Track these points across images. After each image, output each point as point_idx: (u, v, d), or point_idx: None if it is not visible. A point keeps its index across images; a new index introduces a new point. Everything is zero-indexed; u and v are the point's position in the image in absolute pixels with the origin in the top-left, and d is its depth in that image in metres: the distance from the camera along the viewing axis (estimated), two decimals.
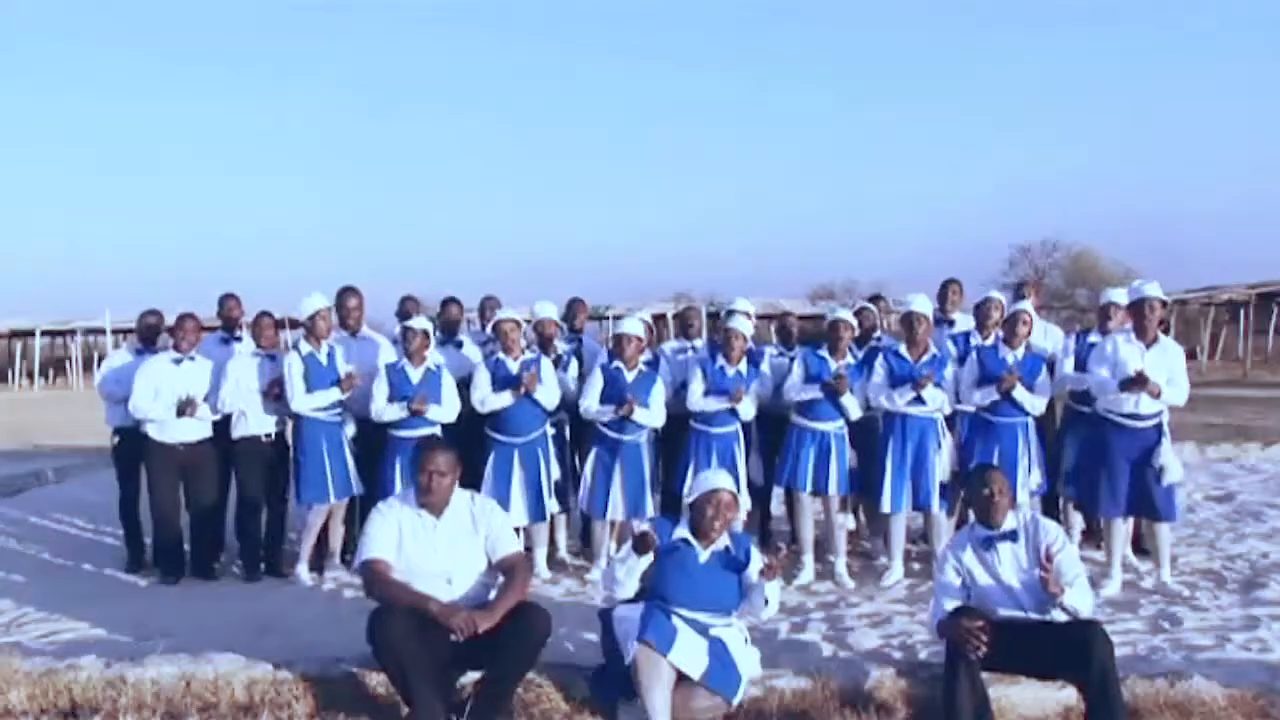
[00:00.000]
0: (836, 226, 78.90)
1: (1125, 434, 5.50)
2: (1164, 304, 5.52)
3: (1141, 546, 6.11)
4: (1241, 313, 29.99)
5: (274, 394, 6.04)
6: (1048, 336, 6.51)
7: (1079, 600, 3.80)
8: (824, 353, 5.96)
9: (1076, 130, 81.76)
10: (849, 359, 5.98)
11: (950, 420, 6.02)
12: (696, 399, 5.93)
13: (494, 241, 78.23)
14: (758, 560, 4.11)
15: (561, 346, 6.49)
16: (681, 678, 3.73)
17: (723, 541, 4.11)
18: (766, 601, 4.00)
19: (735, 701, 3.83)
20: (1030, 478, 5.87)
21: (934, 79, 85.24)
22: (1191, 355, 30.28)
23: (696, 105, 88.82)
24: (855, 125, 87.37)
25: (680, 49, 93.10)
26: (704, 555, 4.06)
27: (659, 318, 27.07)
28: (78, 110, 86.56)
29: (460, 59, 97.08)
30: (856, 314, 6.43)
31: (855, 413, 5.90)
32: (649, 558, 3.98)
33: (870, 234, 72.92)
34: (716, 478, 4.19)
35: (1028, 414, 5.86)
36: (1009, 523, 4.03)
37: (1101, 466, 5.57)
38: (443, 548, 4.02)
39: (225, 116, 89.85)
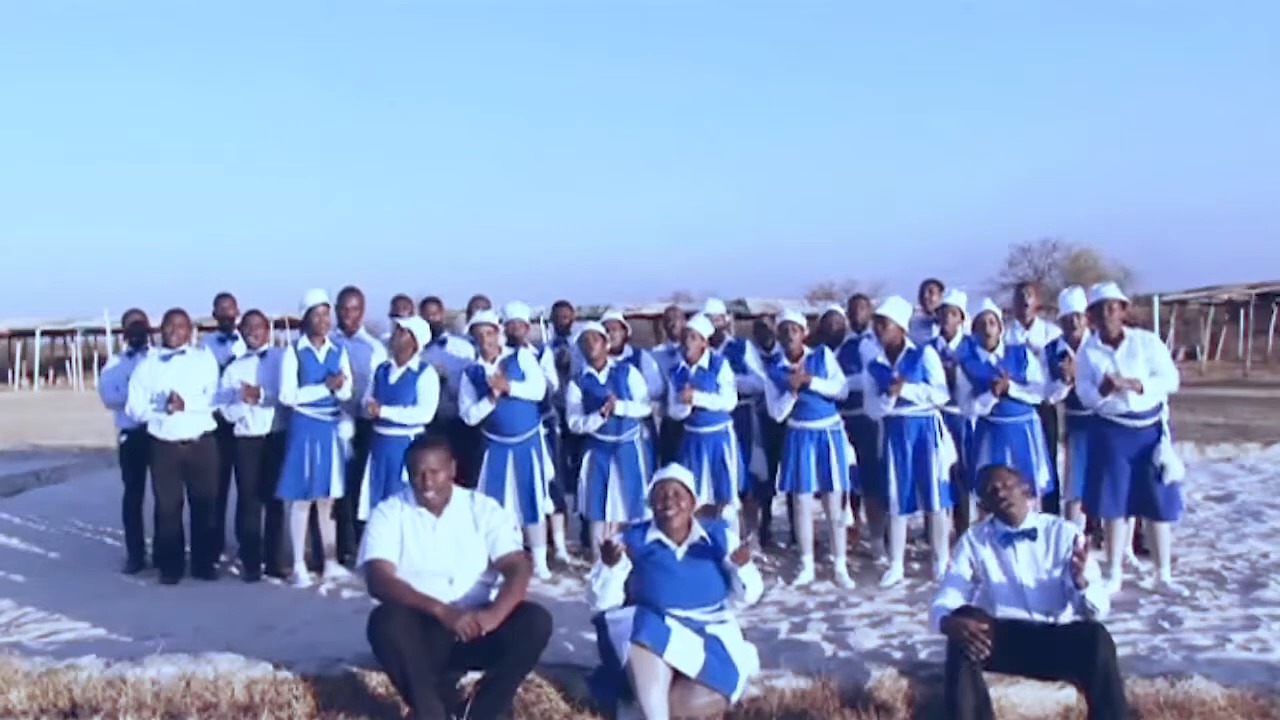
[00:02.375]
0: (836, 226, 78.97)
1: (1125, 434, 5.50)
2: (1123, 304, 5.53)
3: (1141, 546, 6.11)
4: (1241, 313, 29.97)
5: (250, 396, 6.00)
6: (1048, 336, 6.51)
7: (1098, 598, 3.80)
8: (784, 361, 5.97)
9: (1076, 130, 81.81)
10: (806, 353, 5.98)
11: (953, 422, 6.01)
12: (672, 406, 6.02)
13: (493, 241, 78.33)
14: (734, 544, 4.10)
15: (531, 350, 6.46)
16: (679, 676, 3.74)
17: (697, 533, 4.11)
18: (745, 586, 4.01)
19: (734, 698, 3.84)
20: (1039, 476, 5.87)
21: (934, 79, 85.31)
22: (1191, 355, 30.35)
23: (696, 105, 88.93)
24: (855, 125, 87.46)
25: (680, 48, 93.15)
26: (680, 552, 4.06)
27: (659, 317, 27.02)
28: (78, 110, 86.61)
29: (460, 59, 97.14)
30: (825, 317, 6.51)
31: (836, 391, 5.90)
32: (624, 567, 4.00)
33: (870, 234, 73.07)
34: (667, 470, 4.23)
35: (1032, 410, 5.86)
36: (1029, 521, 4.02)
37: (1103, 467, 5.56)
38: (444, 547, 4.02)
39: (225, 116, 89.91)
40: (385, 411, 5.81)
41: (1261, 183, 69.87)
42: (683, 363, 6.03)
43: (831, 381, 5.89)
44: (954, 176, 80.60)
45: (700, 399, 5.87)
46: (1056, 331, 6.69)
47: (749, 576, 4.02)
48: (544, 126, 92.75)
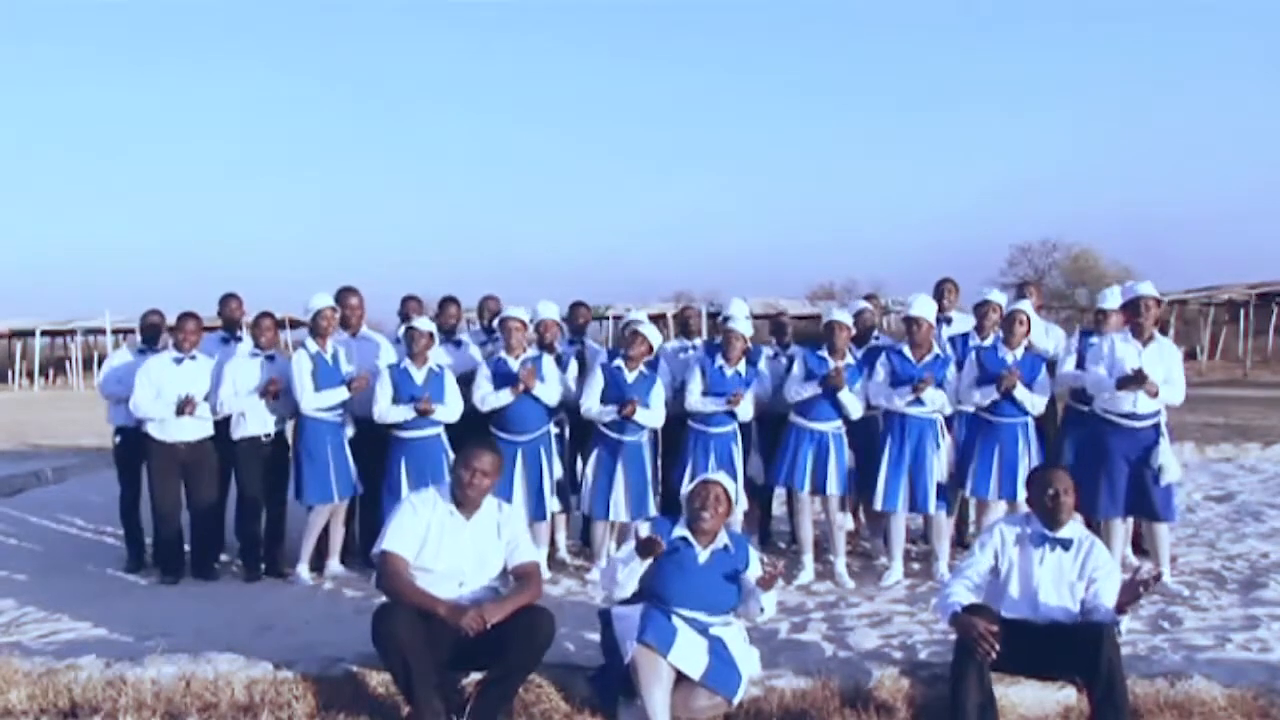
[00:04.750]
0: (836, 226, 78.90)
1: (1123, 434, 5.51)
2: (1159, 302, 5.53)
3: (1141, 546, 6.11)
4: (1241, 313, 29.98)
5: (271, 393, 6.03)
6: (1049, 336, 6.52)
7: (1124, 624, 3.83)
8: (823, 354, 5.95)
9: (1076, 130, 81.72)
10: (849, 360, 5.97)
11: (948, 421, 6.02)
12: (695, 399, 5.94)
13: (494, 241, 78.29)
14: (756, 564, 4.12)
15: (560, 348, 6.50)
16: (681, 677, 3.74)
17: (721, 540, 4.12)
18: (763, 609, 4.04)
19: (735, 701, 3.84)
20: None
21: (933, 78, 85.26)
22: (1191, 355, 30.32)
23: (696, 105, 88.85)
24: (855, 125, 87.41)
25: (679, 49, 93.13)
26: (703, 555, 4.07)
27: (659, 317, 27.04)
28: (77, 109, 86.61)
29: (459, 58, 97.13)
30: (855, 316, 6.40)
31: (855, 411, 5.89)
32: (650, 560, 3.99)
33: (870, 234, 72.93)
34: (715, 474, 4.26)
35: (1027, 414, 5.86)
36: (1069, 530, 3.98)
37: (1100, 467, 5.57)
38: (466, 550, 4.02)
39: (225, 116, 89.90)
40: (440, 412, 5.85)
41: (1261, 183, 69.85)
42: (720, 362, 5.98)
43: (856, 399, 5.87)
44: (954, 176, 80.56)
45: (744, 404, 5.86)
46: (1057, 331, 6.72)
47: (769, 601, 4.04)
48: (545, 127, 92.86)
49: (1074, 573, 3.93)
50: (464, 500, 4.04)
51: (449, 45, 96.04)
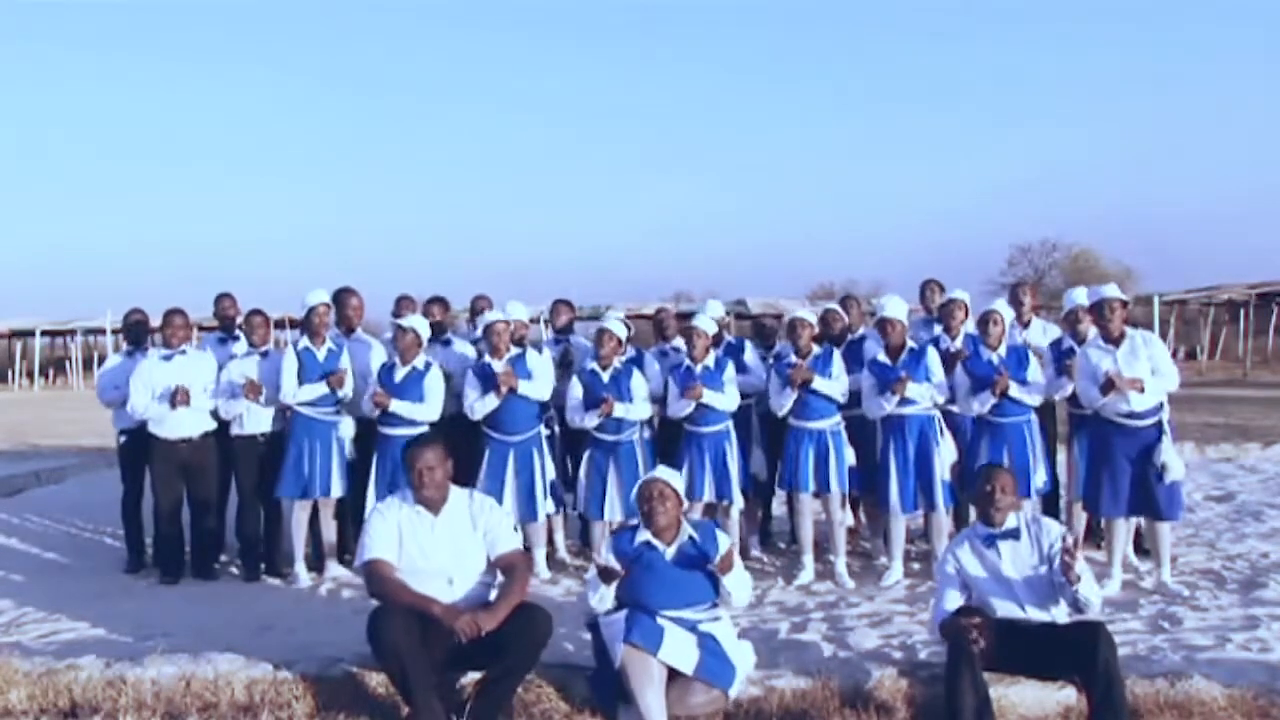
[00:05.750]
0: (836, 226, 78.92)
1: (1126, 434, 5.51)
2: (1124, 304, 5.56)
3: (1141, 546, 6.11)
4: (1241, 313, 30.01)
5: (250, 395, 6.04)
6: (1046, 335, 6.52)
7: (1090, 592, 3.83)
8: (792, 357, 5.97)
9: (1076, 130, 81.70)
10: (815, 351, 5.97)
11: (951, 421, 6.02)
12: (673, 404, 6.00)
13: (493, 241, 78.32)
14: (725, 546, 4.08)
15: (544, 343, 6.49)
16: (675, 674, 3.75)
17: (685, 532, 4.10)
18: (730, 593, 4.02)
19: (732, 693, 3.85)
20: (1036, 476, 5.88)
21: (933, 78, 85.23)
22: (1191, 355, 30.37)
23: (696, 105, 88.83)
24: (854, 125, 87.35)
25: (680, 49, 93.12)
26: (669, 552, 4.06)
27: None
28: (77, 109, 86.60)
29: (461, 60, 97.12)
30: (824, 316, 6.46)
31: (838, 395, 5.90)
32: (617, 582, 3.99)
33: (870, 234, 73.04)
34: (654, 471, 4.26)
35: (1029, 410, 5.87)
36: (1010, 522, 4.06)
37: (1103, 467, 5.57)
38: (443, 546, 4.03)
39: (224, 116, 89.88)
40: (395, 405, 5.82)
41: (1261, 183, 69.89)
42: (687, 361, 6.03)
43: (834, 382, 5.88)
44: (954, 176, 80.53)
45: (708, 396, 5.86)
46: (1055, 331, 6.71)
47: (733, 583, 4.01)
48: (544, 127, 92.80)
49: (1034, 556, 4.00)
50: (424, 500, 4.06)
51: (449, 45, 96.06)
